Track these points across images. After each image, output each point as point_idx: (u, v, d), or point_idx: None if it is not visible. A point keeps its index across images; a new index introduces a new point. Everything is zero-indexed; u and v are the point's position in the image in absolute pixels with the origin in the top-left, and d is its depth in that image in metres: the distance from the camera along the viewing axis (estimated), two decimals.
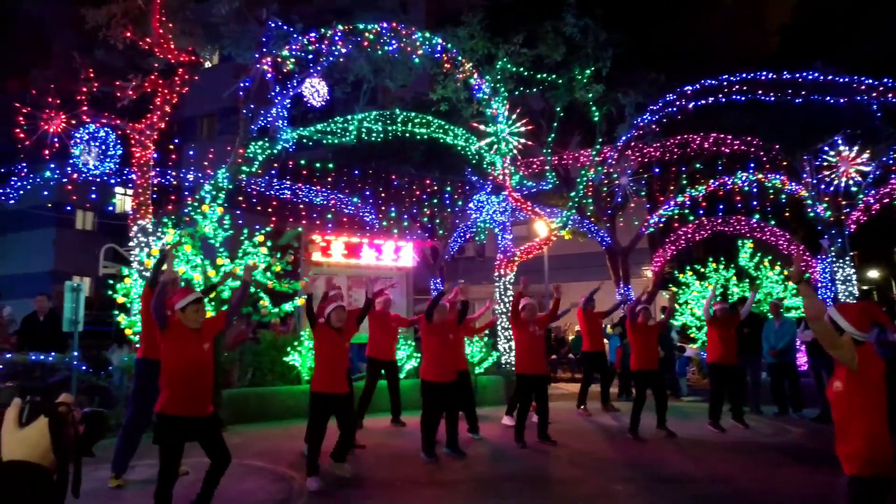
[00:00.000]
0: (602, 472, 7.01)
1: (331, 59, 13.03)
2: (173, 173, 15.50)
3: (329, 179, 16.30)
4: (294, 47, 12.40)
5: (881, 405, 3.45)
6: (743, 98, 13.76)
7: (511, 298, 13.29)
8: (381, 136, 14.25)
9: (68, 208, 24.22)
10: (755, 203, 15.51)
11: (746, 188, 15.39)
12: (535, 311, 8.44)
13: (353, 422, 6.41)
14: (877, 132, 14.21)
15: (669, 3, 17.24)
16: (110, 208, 22.30)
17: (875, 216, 15.00)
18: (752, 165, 15.37)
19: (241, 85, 13.07)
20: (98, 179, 12.54)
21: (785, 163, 15.52)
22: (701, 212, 16.39)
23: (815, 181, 15.09)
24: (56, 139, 11.31)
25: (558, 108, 14.97)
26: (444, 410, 7.48)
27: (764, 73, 13.59)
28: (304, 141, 13.95)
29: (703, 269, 14.74)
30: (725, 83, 13.65)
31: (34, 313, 10.52)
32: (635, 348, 9.02)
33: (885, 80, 13.21)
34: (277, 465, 7.06)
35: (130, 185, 12.42)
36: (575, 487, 6.41)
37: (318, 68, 13.08)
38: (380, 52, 13.25)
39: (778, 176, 15.22)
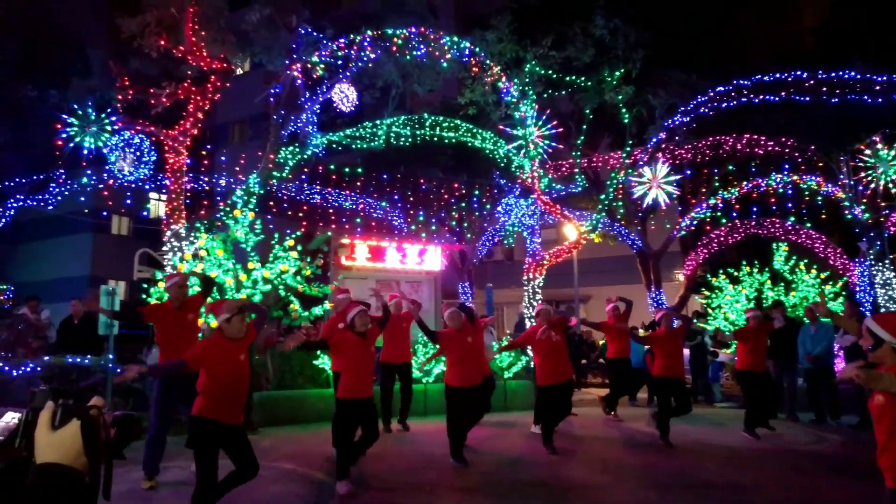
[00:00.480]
0: (632, 479, 6.91)
1: (360, 64, 13.13)
2: (206, 179, 15.75)
3: (358, 184, 16.42)
4: (324, 53, 12.52)
5: None
6: (777, 98, 13.50)
7: (539, 301, 13.22)
8: (410, 140, 14.31)
9: (104, 214, 24.75)
10: (790, 205, 15.19)
11: (781, 190, 15.08)
12: (549, 315, 8.33)
13: (377, 427, 6.41)
14: None
15: (701, 3, 17.00)
16: (145, 213, 22.73)
17: None
18: (787, 166, 15.06)
19: (272, 91, 13.25)
20: (133, 185, 12.80)
21: (821, 164, 15.16)
22: (734, 214, 16.11)
23: (852, 182, 14.72)
24: (93, 147, 11.57)
25: (587, 111, 14.88)
26: (470, 414, 7.46)
27: (799, 72, 13.32)
28: (334, 146, 14.08)
29: (736, 273, 14.48)
30: (759, 83, 13.41)
31: (70, 317, 10.79)
32: (658, 355, 8.86)
33: None
34: (307, 468, 7.11)
35: (164, 190, 12.65)
36: (604, 494, 6.33)
37: (348, 74, 13.19)
38: (408, 57, 13.31)
39: (814, 177, 14.88)
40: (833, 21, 18.91)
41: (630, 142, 14.83)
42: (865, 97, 13.12)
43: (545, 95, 14.61)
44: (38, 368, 9.03)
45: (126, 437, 1.30)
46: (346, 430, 6.22)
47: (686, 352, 12.29)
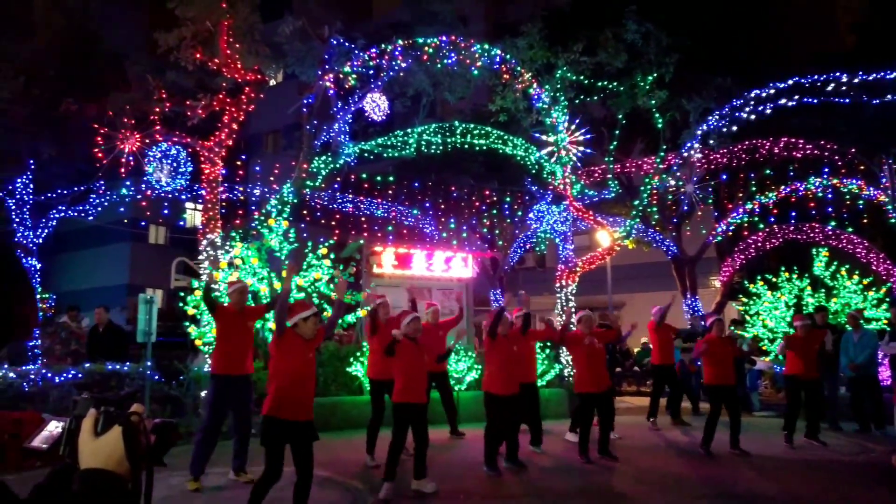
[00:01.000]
0: (669, 489, 6.77)
1: (391, 73, 13.22)
2: (241, 188, 16.00)
3: (390, 192, 16.50)
4: (355, 63, 12.64)
5: None
6: (815, 100, 13.21)
7: (573, 307, 13.11)
8: (441, 148, 14.34)
9: (142, 224, 25.30)
10: (831, 209, 14.80)
11: (821, 194, 14.70)
12: (591, 322, 8.25)
13: (427, 434, 6.42)
14: None
15: (735, 4, 16.75)
16: (181, 223, 23.20)
17: None
18: (827, 170, 14.68)
19: (305, 102, 13.42)
20: (170, 195, 13.06)
21: (862, 167, 14.76)
22: (772, 219, 15.77)
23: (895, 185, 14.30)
24: (131, 158, 11.84)
25: (620, 116, 14.74)
26: (508, 423, 7.41)
27: (838, 73, 13.02)
28: (366, 155, 14.19)
29: (774, 279, 14.16)
30: (796, 85, 13.13)
31: (96, 326, 11.09)
32: (708, 363, 8.68)
33: None
34: (341, 475, 7.13)
35: (200, 200, 12.87)
36: None
37: (379, 83, 13.30)
38: (439, 66, 13.37)
39: (855, 181, 14.49)
40: (874, 19, 18.46)
41: (664, 147, 14.64)
42: None
43: (577, 101, 14.52)
44: (79, 375, 9.25)
45: (166, 444, 1.31)
46: (400, 433, 6.28)
47: None
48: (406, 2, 17.45)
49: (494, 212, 17.67)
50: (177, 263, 15.90)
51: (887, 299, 13.54)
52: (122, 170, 12.04)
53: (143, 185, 13.54)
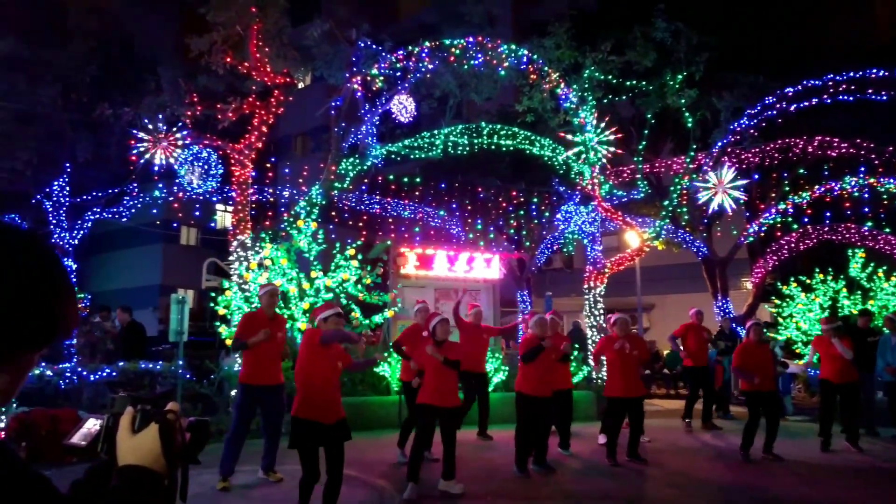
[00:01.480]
0: (699, 494, 6.67)
1: (418, 75, 13.26)
2: (270, 190, 16.18)
3: (416, 193, 16.54)
4: (383, 65, 12.70)
5: None
6: (851, 98, 12.92)
7: (601, 311, 13.00)
8: (467, 149, 14.34)
9: (174, 225, 25.73)
10: (867, 209, 14.46)
11: (857, 193, 14.36)
12: (626, 326, 8.16)
13: (455, 437, 6.41)
14: None
15: (767, 1, 16.48)
16: (212, 224, 23.51)
17: None
18: (863, 169, 14.35)
19: (333, 104, 13.52)
20: (201, 197, 13.26)
21: None
22: (806, 219, 15.46)
23: None
24: (163, 161, 12.05)
25: (649, 115, 14.58)
26: (538, 425, 7.38)
27: (875, 70, 12.71)
28: (393, 156, 14.25)
29: (808, 281, 13.87)
30: (831, 82, 12.86)
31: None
32: (748, 366, 8.51)
33: None
34: (368, 474, 7.17)
35: (231, 202, 13.04)
36: None
37: (406, 85, 13.35)
38: (466, 67, 13.37)
39: (892, 180, 14.13)
40: None
41: (694, 146, 14.45)
42: None
43: (605, 101, 14.40)
44: (114, 374, 9.44)
45: (200, 442, 1.33)
46: (420, 433, 6.29)
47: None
48: (433, 3, 17.48)
49: (521, 213, 17.60)
50: (208, 264, 16.12)
51: None
52: (156, 174, 12.27)
53: (176, 188, 13.78)
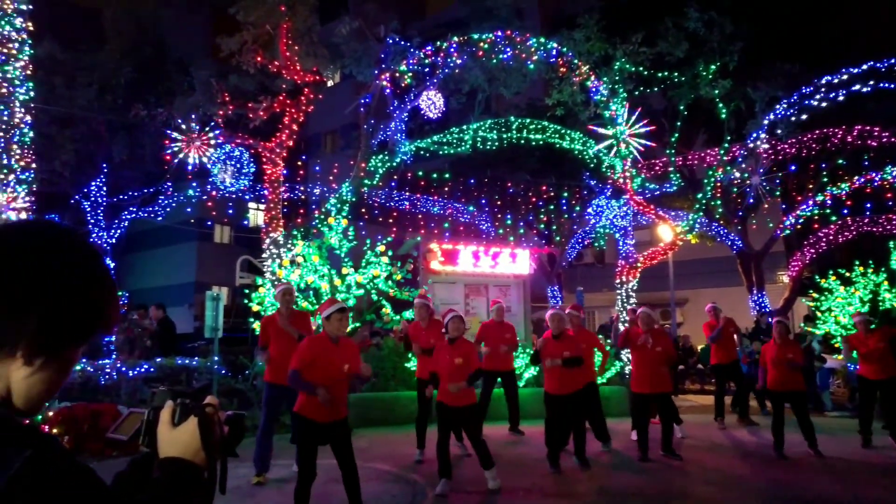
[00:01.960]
0: (736, 490, 6.57)
1: (446, 70, 13.24)
2: (301, 188, 16.35)
3: (446, 189, 16.56)
4: (411, 62, 12.71)
5: None
6: (893, 85, 12.55)
7: (634, 306, 12.86)
8: (496, 144, 14.29)
9: (208, 223, 26.15)
10: None
11: None
12: (649, 320, 8.04)
13: (479, 433, 6.40)
14: None
15: None
16: (245, 222, 23.85)
17: None
18: None
19: (362, 101, 13.59)
20: (234, 196, 13.45)
21: None
22: (845, 211, 15.08)
23: None
24: (197, 160, 12.25)
25: (682, 107, 14.36)
26: (567, 421, 7.35)
27: None
28: (422, 152, 14.27)
29: (848, 274, 13.52)
30: (871, 70, 12.50)
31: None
32: (768, 366, 8.35)
33: None
34: (400, 468, 7.21)
35: (263, 200, 13.21)
36: None
37: (435, 81, 13.34)
38: (494, 61, 13.31)
39: None
40: None
41: (728, 137, 14.19)
42: None
43: (636, 93, 14.22)
44: (151, 370, 9.64)
45: (237, 435, 1.35)
46: (439, 431, 6.30)
47: None
48: None
49: (551, 207, 17.50)
50: (241, 261, 16.37)
51: None
52: (189, 173, 12.47)
53: (209, 187, 13.99)
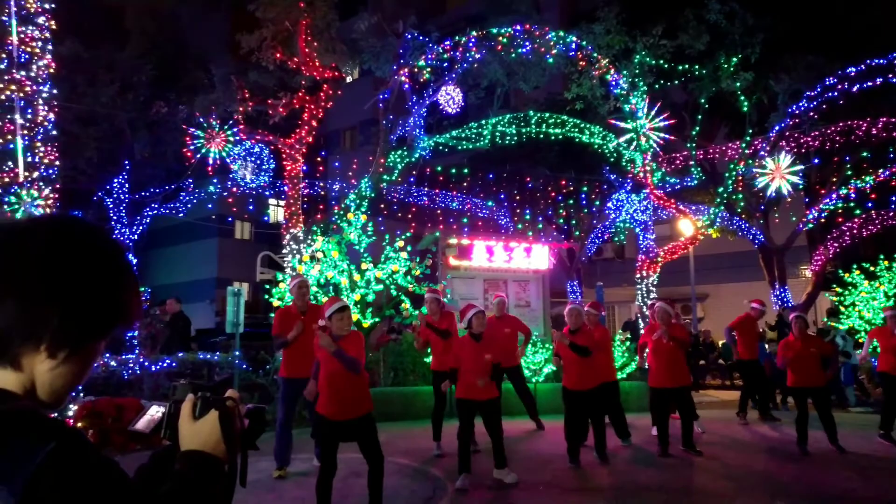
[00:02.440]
0: (757, 487, 6.50)
1: (465, 65, 13.22)
2: (321, 184, 16.42)
3: (464, 184, 16.54)
4: (430, 57, 12.70)
5: None
6: None
7: (654, 300, 12.76)
8: (515, 138, 14.23)
9: (229, 220, 26.37)
10: None
11: None
12: (665, 314, 7.98)
13: (498, 428, 6.40)
14: None
15: None
16: (265, 218, 24.02)
17: None
18: None
19: (381, 97, 13.60)
20: (254, 192, 13.54)
21: None
22: (870, 204, 14.83)
23: None
24: (217, 157, 12.35)
25: (702, 100, 14.20)
26: (586, 417, 7.33)
27: None
28: (440, 148, 14.26)
29: (872, 268, 13.30)
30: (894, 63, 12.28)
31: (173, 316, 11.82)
32: (790, 362, 8.23)
33: None
34: (421, 463, 7.23)
35: (283, 196, 13.29)
36: (727, 502, 5.99)
37: (453, 75, 13.32)
38: (513, 55, 13.25)
39: None
40: None
41: (750, 130, 14.00)
42: None
43: (656, 86, 14.08)
44: (174, 364, 9.76)
45: (258, 429, 1.36)
46: (461, 427, 6.30)
47: None
48: None
49: (571, 202, 17.40)
50: (262, 257, 16.50)
51: None
52: (210, 170, 12.57)
53: (229, 183, 14.10)
